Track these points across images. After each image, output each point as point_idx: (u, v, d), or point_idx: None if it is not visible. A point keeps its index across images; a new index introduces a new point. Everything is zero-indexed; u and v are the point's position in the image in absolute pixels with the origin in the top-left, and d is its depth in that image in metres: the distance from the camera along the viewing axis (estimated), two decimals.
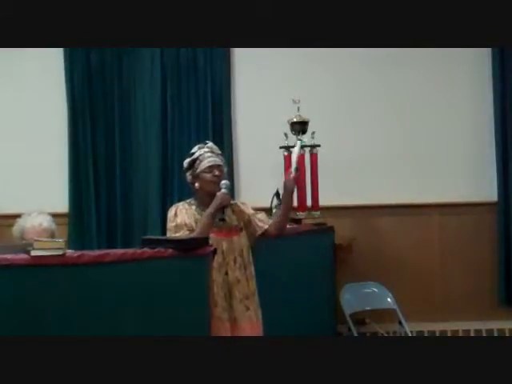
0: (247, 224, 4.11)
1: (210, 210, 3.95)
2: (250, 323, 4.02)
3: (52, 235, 3.88)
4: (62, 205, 6.42)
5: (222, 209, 3.98)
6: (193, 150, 4.09)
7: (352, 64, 6.36)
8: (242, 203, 4.20)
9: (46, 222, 3.96)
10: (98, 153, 6.51)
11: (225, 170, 4.11)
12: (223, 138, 6.38)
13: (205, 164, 4.01)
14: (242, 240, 4.08)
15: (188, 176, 4.08)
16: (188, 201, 4.09)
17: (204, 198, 4.04)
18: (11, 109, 6.51)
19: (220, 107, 6.46)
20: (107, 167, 6.52)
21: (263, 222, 4.13)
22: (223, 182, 4.01)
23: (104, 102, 6.53)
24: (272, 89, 6.38)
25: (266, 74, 6.44)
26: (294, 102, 5.81)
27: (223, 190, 3.98)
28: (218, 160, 4.06)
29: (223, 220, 3.99)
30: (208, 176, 4.01)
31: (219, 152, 4.13)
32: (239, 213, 4.11)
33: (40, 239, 3.20)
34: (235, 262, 4.01)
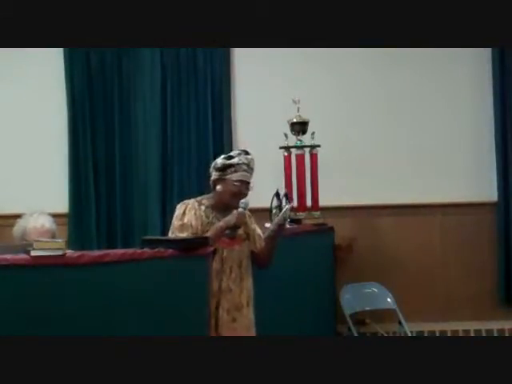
0: (247, 237, 4.07)
1: (223, 224, 3.90)
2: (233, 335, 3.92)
3: (53, 236, 3.88)
4: (62, 205, 6.42)
5: (235, 227, 3.95)
6: (232, 154, 4.00)
7: (352, 64, 6.36)
8: (249, 215, 4.12)
9: (47, 222, 3.96)
10: (98, 153, 6.51)
11: (251, 188, 4.02)
12: (223, 137, 6.39)
13: (237, 176, 3.92)
14: (243, 250, 4.03)
15: (214, 175, 3.98)
16: (199, 199, 4.02)
17: (218, 202, 3.98)
18: (11, 109, 6.50)
19: (220, 107, 6.46)
20: (107, 167, 6.51)
21: (259, 244, 4.10)
22: (243, 200, 3.93)
23: (104, 102, 6.52)
24: (272, 89, 6.38)
25: (266, 74, 6.44)
26: (294, 102, 5.81)
27: (241, 210, 3.92)
28: (249, 177, 3.97)
29: (233, 238, 3.96)
30: (235, 189, 3.92)
31: (253, 167, 4.02)
32: (244, 224, 4.05)
33: (40, 239, 3.20)
34: (231, 271, 3.96)
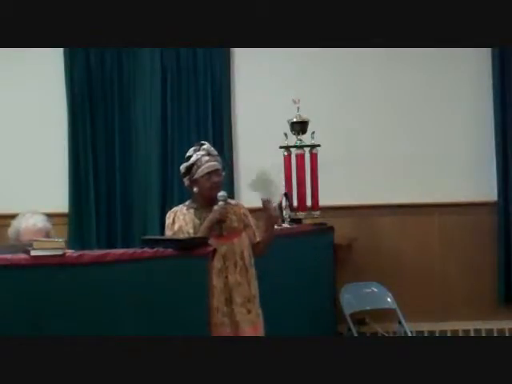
0: (245, 228, 4.09)
1: (207, 224, 3.92)
2: (252, 327, 3.98)
3: (47, 235, 3.84)
4: (62, 205, 6.42)
5: (219, 223, 3.96)
6: (189, 154, 4.02)
7: (352, 64, 6.36)
8: (245, 208, 4.15)
9: (40, 222, 3.91)
10: (97, 153, 6.51)
11: (223, 172, 4.06)
12: (223, 137, 6.38)
13: (203, 170, 3.95)
14: (242, 241, 4.04)
15: (186, 181, 4.03)
16: (187, 203, 4.06)
17: (203, 202, 4.01)
18: (11, 109, 6.50)
19: (220, 107, 6.46)
20: (107, 167, 6.51)
21: (257, 237, 4.13)
22: (220, 194, 3.96)
23: (104, 102, 6.52)
24: (272, 89, 6.38)
25: (266, 74, 6.44)
26: (294, 101, 5.81)
27: (220, 203, 3.94)
28: (216, 164, 3.99)
29: (221, 235, 3.97)
30: (207, 183, 3.96)
31: (216, 153, 4.06)
32: (240, 215, 4.08)
33: (39, 239, 3.20)
34: (236, 265, 3.97)
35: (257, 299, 4.05)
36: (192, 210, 4.01)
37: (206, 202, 4.00)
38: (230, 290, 3.95)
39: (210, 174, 3.97)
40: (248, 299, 3.99)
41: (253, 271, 4.05)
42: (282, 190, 4.97)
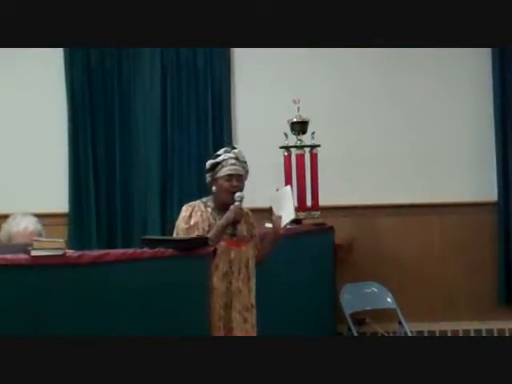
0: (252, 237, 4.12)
1: (223, 221, 3.93)
2: (245, 335, 3.96)
3: (40, 236, 3.82)
4: (62, 205, 6.42)
5: (234, 223, 3.96)
6: (219, 152, 4.04)
7: (352, 64, 6.36)
8: (253, 218, 4.17)
9: (31, 224, 3.87)
10: (97, 153, 6.51)
11: (245, 179, 4.05)
12: (223, 138, 6.38)
13: (225, 171, 3.96)
14: (249, 250, 4.06)
15: (208, 177, 4.04)
16: (205, 200, 4.05)
17: (218, 203, 4.01)
18: (11, 109, 6.50)
19: (220, 107, 6.46)
20: (107, 167, 6.51)
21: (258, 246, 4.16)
22: (238, 194, 3.96)
23: (104, 102, 6.52)
24: (272, 89, 6.38)
25: (266, 73, 6.44)
26: (294, 102, 5.80)
27: (237, 203, 3.94)
28: (239, 169, 3.99)
29: (234, 235, 3.98)
30: (226, 184, 3.96)
31: (244, 160, 4.05)
32: (249, 225, 4.10)
33: (39, 239, 3.20)
34: (240, 272, 3.98)
35: (255, 310, 4.04)
36: (209, 209, 4.00)
37: (221, 205, 3.99)
38: (232, 295, 3.95)
39: (231, 176, 3.97)
40: (246, 308, 4.00)
41: (254, 281, 4.06)
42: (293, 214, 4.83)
